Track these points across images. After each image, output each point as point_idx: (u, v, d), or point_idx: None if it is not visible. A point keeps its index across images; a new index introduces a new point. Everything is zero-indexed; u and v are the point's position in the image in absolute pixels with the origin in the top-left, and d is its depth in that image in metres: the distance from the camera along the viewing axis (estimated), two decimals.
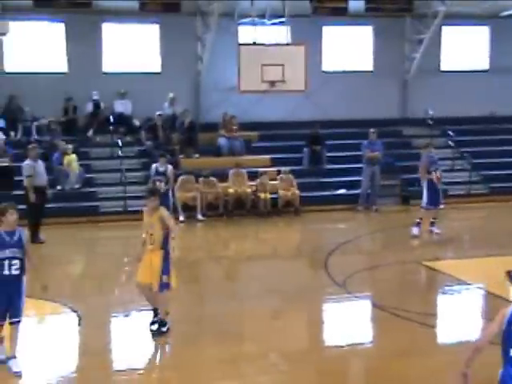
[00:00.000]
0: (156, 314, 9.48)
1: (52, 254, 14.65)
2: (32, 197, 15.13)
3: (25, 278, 8.04)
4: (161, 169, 16.51)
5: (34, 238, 14.30)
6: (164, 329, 9.33)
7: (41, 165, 15.93)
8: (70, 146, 18.61)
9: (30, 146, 16.42)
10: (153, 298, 9.46)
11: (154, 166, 16.75)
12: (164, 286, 9.12)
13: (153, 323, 9.47)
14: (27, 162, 15.74)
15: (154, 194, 9.28)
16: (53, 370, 8.35)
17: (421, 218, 15.90)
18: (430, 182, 15.86)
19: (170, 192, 16.61)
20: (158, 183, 15.67)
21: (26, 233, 8.24)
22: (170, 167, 16.71)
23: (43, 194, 15.49)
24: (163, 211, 9.21)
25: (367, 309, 11.09)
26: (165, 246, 9.11)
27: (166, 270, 9.08)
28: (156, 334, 9.29)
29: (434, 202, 15.81)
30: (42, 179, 15.78)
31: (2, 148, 17.79)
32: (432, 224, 16.07)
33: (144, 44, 21.62)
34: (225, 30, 20.89)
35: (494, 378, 5.36)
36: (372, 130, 19.25)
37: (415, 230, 15.83)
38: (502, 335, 5.37)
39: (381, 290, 11.92)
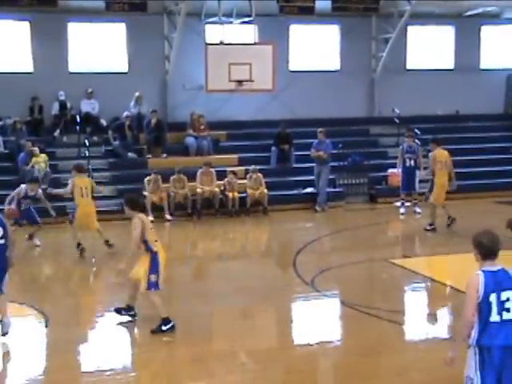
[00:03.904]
0: (128, 309, 9.74)
1: (17, 254, 14.45)
2: None
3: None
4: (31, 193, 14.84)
5: None
6: (164, 327, 9.33)
7: None
8: (36, 148, 18.38)
9: None
10: (133, 296, 9.76)
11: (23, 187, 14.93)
12: (151, 285, 9.28)
13: (119, 311, 9.77)
14: None
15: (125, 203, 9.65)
16: (20, 372, 8.28)
17: (402, 198, 18.50)
18: (404, 168, 18.32)
19: None
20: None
21: None
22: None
23: None
24: (134, 219, 9.37)
25: (336, 307, 11.13)
26: (148, 247, 9.30)
27: (153, 269, 9.27)
28: (156, 332, 9.30)
29: (406, 186, 18.33)
30: None
31: None
32: (414, 204, 18.29)
33: (111, 43, 21.48)
34: (192, 29, 20.88)
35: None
36: (319, 129, 19.40)
37: (402, 209, 18.38)
38: (480, 304, 5.67)
39: (349, 288, 11.98)
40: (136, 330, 9.86)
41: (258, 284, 12.01)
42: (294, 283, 11.96)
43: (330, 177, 19.81)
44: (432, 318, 10.43)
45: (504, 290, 5.70)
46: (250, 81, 19.21)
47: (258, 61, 19.29)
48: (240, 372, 8.28)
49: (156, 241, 9.41)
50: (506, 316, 5.68)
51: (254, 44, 20.19)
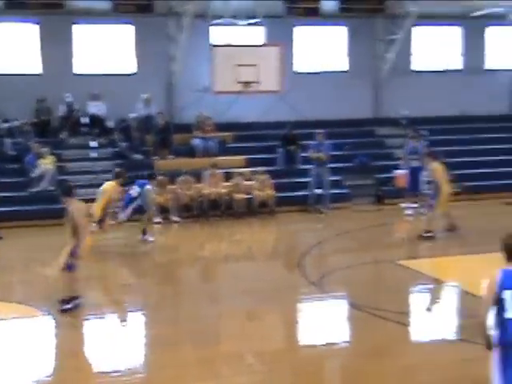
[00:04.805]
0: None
1: (23, 256, 14.49)
2: None
3: None
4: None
5: None
6: (67, 306, 10.31)
7: None
8: (47, 149, 18.43)
9: None
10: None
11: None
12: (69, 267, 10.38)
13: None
14: None
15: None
16: (29, 372, 8.31)
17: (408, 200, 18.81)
18: (408, 169, 18.70)
19: None
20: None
21: None
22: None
23: None
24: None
25: (343, 308, 11.13)
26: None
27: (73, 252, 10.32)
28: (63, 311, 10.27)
29: (410, 187, 18.55)
30: None
31: None
32: (421, 206, 17.83)
33: (117, 45, 21.51)
34: (198, 30, 20.86)
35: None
36: (318, 131, 19.39)
37: (408, 211, 18.63)
38: (495, 300, 5.74)
39: (356, 289, 11.97)
40: (143, 331, 9.87)
41: (265, 285, 12.01)
42: (301, 284, 11.97)
43: (337, 178, 19.82)
44: (439, 319, 10.41)
45: None
46: (257, 82, 19.22)
47: (265, 62, 19.31)
48: (247, 373, 8.29)
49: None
50: None
51: (261, 45, 20.20)
